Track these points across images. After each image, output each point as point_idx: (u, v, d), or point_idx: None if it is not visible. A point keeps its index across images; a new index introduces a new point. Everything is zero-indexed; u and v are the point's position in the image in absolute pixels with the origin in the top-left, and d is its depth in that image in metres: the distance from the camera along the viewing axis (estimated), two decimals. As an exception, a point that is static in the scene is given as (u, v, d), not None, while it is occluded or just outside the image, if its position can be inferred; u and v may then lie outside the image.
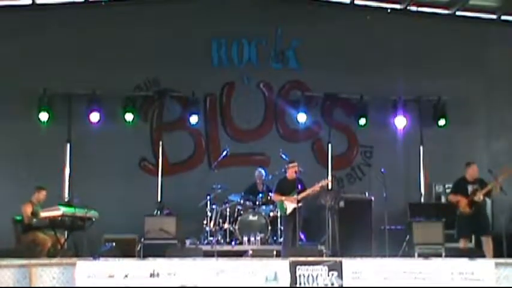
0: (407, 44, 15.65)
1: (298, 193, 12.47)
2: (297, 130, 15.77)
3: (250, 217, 13.86)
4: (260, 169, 14.73)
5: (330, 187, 13.75)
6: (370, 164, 15.82)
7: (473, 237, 13.01)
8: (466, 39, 15.87)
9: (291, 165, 12.86)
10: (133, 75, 15.40)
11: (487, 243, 12.11)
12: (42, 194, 12.96)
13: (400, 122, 15.46)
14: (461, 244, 12.47)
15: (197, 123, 15.38)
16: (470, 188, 12.39)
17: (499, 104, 15.95)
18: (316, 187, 12.66)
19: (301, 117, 15.44)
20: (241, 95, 15.83)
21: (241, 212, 14.01)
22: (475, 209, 12.26)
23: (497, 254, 11.85)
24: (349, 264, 9.42)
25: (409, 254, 13.15)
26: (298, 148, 15.40)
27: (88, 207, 12.35)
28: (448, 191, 14.95)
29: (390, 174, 13.36)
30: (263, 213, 13.90)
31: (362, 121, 15.40)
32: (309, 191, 12.63)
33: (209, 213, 14.02)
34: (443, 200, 15.13)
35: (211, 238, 13.77)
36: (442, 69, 15.57)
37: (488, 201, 13.53)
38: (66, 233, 12.92)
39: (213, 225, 13.97)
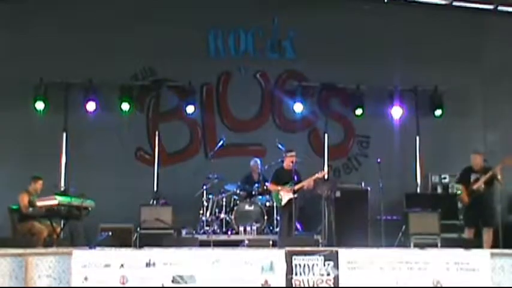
0: (404, 34, 15.61)
1: (295, 184, 12.48)
2: (293, 120, 15.77)
3: (247, 207, 13.88)
4: (256, 159, 14.72)
5: (326, 177, 13.74)
6: (367, 154, 15.84)
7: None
8: (463, 30, 15.84)
9: (289, 154, 12.83)
10: (130, 65, 15.38)
11: (488, 234, 12.12)
12: (38, 184, 12.96)
13: (397, 112, 15.46)
14: (466, 234, 12.48)
15: (193, 113, 15.37)
16: (473, 177, 12.41)
17: (495, 94, 15.92)
18: (311, 180, 12.65)
19: (298, 107, 15.42)
20: (238, 85, 15.81)
21: (238, 202, 14.04)
22: (474, 199, 12.26)
23: (493, 244, 11.88)
24: (345, 254, 9.45)
25: (405, 244, 13.21)
26: (294, 138, 15.41)
27: (84, 197, 12.36)
28: (444, 181, 15.03)
29: (386, 164, 13.33)
30: (259, 203, 13.92)
31: (358, 111, 15.39)
32: (304, 183, 12.63)
33: (205, 203, 14.03)
34: (439, 190, 15.17)
35: (208, 228, 13.80)
36: (439, 59, 15.53)
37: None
38: (62, 222, 12.96)
39: (209, 215, 13.99)
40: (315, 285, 9.30)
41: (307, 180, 12.61)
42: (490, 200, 12.48)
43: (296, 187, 12.46)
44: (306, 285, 9.30)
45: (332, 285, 9.31)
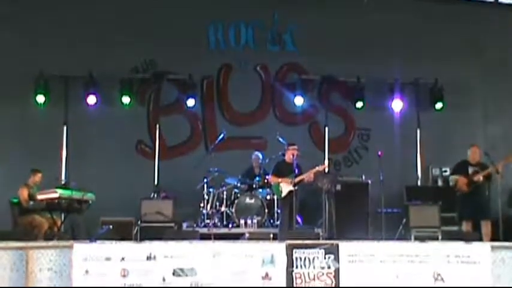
0: (404, 27, 15.59)
1: (295, 177, 12.47)
2: (294, 113, 15.76)
3: (247, 200, 13.89)
4: (257, 152, 14.73)
5: (326, 170, 13.73)
6: (367, 147, 15.83)
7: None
8: (464, 23, 15.78)
9: (291, 147, 12.79)
10: (130, 58, 15.36)
11: (486, 226, 12.14)
12: (37, 177, 12.98)
13: (397, 105, 15.44)
14: (464, 227, 12.47)
15: (194, 106, 15.37)
16: (471, 170, 12.43)
17: (496, 87, 15.89)
18: (312, 172, 12.63)
19: (298, 100, 15.41)
20: (238, 78, 15.80)
21: (238, 195, 14.04)
22: (473, 189, 12.30)
23: (493, 237, 11.89)
24: (345, 247, 9.45)
25: (405, 237, 13.19)
26: (295, 131, 15.38)
27: (85, 190, 12.39)
28: (444, 174, 15.00)
29: (387, 157, 13.35)
30: (260, 196, 13.92)
31: (359, 104, 15.40)
32: (304, 176, 12.61)
33: (206, 196, 14.03)
34: (439, 183, 15.16)
35: (208, 221, 13.80)
36: (440, 52, 15.50)
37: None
38: (62, 215, 12.97)
39: (210, 208, 14.00)
40: (316, 278, 9.31)
41: (307, 173, 12.60)
42: (485, 193, 12.50)
43: (296, 180, 12.46)
44: (307, 278, 9.31)
45: (333, 278, 9.32)
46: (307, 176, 12.57)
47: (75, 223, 13.03)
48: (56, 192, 12.14)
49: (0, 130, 14.96)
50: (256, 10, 15.78)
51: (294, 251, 9.36)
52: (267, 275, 9.29)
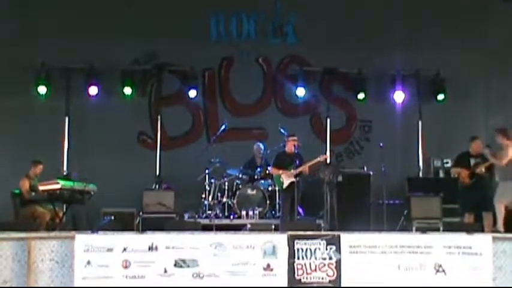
0: (406, 18, 15.55)
1: (296, 167, 12.47)
2: (295, 105, 15.76)
3: (249, 191, 13.91)
4: (258, 143, 14.73)
5: (328, 161, 13.74)
6: (369, 138, 15.84)
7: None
8: (466, 13, 15.74)
9: (291, 138, 12.81)
10: (132, 49, 15.34)
11: (488, 218, 12.13)
12: (38, 168, 13.00)
13: (399, 96, 15.46)
14: (466, 219, 12.47)
15: (196, 97, 15.37)
16: (472, 162, 12.43)
17: (497, 78, 15.87)
18: (313, 162, 12.62)
19: (300, 92, 15.43)
20: (240, 70, 15.79)
21: (240, 186, 14.06)
22: (476, 181, 12.28)
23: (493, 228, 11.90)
24: (347, 238, 9.45)
25: (406, 229, 13.19)
26: (296, 122, 15.39)
27: (86, 181, 12.40)
28: (446, 165, 15.00)
29: (389, 148, 13.37)
30: (261, 188, 13.94)
31: (361, 96, 15.42)
32: (306, 166, 12.60)
33: (207, 187, 14.04)
34: (441, 174, 15.17)
35: (210, 212, 13.79)
36: (441, 43, 15.47)
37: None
38: (64, 206, 12.99)
39: (212, 199, 14.00)
40: (317, 269, 9.32)
41: (308, 164, 12.57)
42: (488, 185, 12.49)
43: (297, 170, 12.46)
44: (308, 269, 9.32)
45: (334, 269, 9.33)
46: (310, 165, 12.56)
47: (76, 214, 13.04)
48: (57, 183, 12.15)
49: (1, 121, 14.97)
50: (258, 2, 15.77)
51: (296, 242, 9.37)
52: (268, 266, 9.30)
